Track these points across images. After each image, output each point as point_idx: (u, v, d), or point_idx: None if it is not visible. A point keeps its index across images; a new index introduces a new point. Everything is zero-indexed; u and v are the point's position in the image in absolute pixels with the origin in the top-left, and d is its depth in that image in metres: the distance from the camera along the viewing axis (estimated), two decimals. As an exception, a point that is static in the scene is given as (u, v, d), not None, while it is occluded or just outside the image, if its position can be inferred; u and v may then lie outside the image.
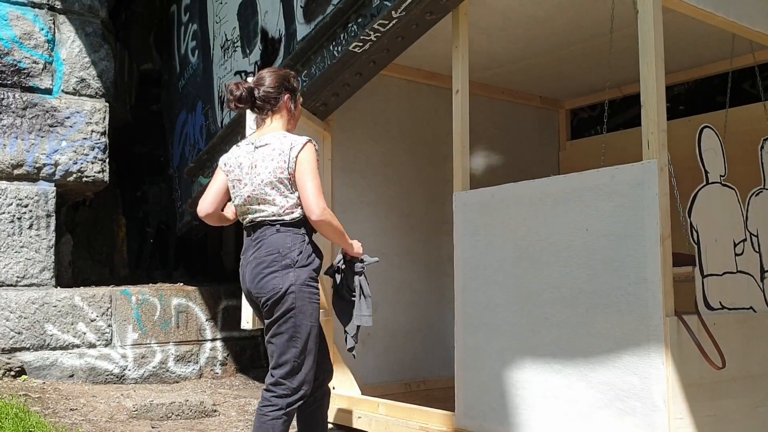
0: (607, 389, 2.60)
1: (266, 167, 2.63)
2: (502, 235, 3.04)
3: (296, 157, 2.60)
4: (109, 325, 4.51)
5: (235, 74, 4.92)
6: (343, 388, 4.00)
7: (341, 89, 3.88)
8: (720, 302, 2.68)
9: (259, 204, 2.64)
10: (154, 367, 4.63)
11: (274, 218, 2.63)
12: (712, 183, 2.76)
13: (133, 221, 5.73)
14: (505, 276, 3.01)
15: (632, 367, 2.53)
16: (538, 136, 5.32)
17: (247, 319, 3.17)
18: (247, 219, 2.69)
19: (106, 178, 4.79)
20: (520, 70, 4.61)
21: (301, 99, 2.96)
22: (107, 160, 4.79)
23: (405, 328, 4.46)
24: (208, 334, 4.95)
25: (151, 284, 4.94)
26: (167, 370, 4.69)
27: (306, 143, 2.63)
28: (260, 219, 2.65)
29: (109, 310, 4.52)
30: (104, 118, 4.76)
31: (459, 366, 3.19)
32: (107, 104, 4.83)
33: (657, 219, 2.48)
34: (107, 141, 4.79)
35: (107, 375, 4.47)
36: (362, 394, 3.97)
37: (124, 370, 4.52)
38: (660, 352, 2.45)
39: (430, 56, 4.33)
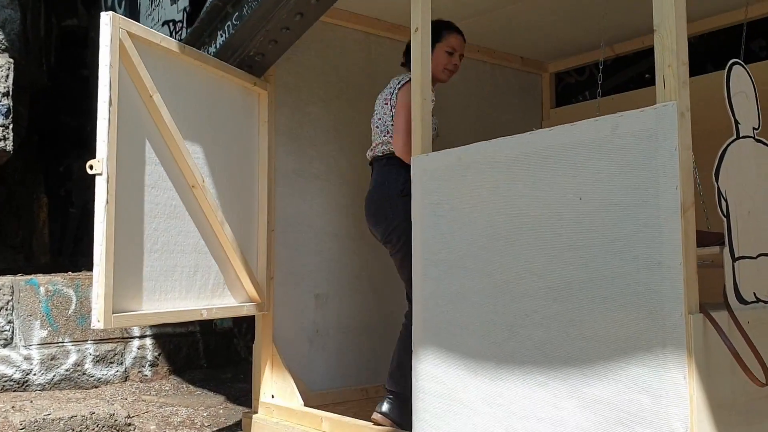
0: (606, 410, 1.95)
1: (379, 103, 3.15)
2: (471, 208, 2.38)
3: (397, 92, 2.99)
4: (10, 322, 3.80)
5: (163, 24, 4.22)
6: (284, 397, 3.33)
7: (280, 35, 3.19)
8: (755, 294, 2.03)
9: (374, 138, 3.12)
10: (66, 370, 3.94)
11: (382, 153, 3.06)
12: (744, 137, 2.11)
13: (56, 200, 5.01)
14: (475, 260, 2.35)
15: (641, 382, 1.88)
16: (519, 102, 4.66)
17: (98, 316, 2.49)
18: (369, 155, 3.17)
19: (10, 148, 4.08)
20: (495, 22, 3.94)
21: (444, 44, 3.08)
22: (11, 127, 4.07)
23: (362, 323, 3.79)
24: (136, 331, 4.26)
25: (66, 273, 4.23)
26: (84, 374, 4.00)
27: (407, 81, 2.90)
28: (374, 154, 3.11)
29: (10, 303, 3.81)
30: (7, 76, 4.03)
31: (417, 375, 2.54)
32: (11, 60, 4.09)
33: (677, 181, 1.82)
34: (10, 104, 4.07)
35: (5, 381, 3.76)
36: (308, 403, 3.31)
37: (27, 374, 3.82)
38: (680, 361, 1.80)
39: (392, 3, 3.64)
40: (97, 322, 2.51)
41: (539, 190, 2.16)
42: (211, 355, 4.54)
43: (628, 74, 4.52)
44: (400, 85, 3.04)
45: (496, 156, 2.29)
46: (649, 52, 4.65)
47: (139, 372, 4.20)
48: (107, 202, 2.55)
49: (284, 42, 3.23)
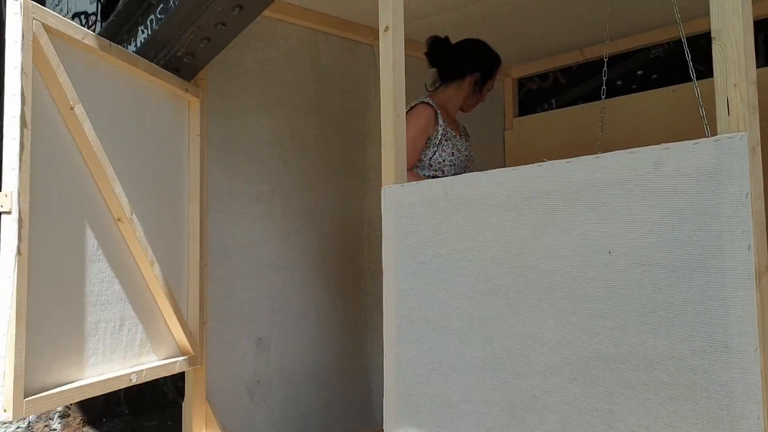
0: None
1: None
2: (462, 255, 1.89)
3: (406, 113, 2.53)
4: None
5: (74, 17, 3.59)
6: (219, 466, 2.78)
7: (213, 31, 2.63)
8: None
9: None
10: (-48, 431, 3.28)
11: None
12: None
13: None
14: (467, 322, 1.87)
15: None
16: (480, 109, 4.19)
17: (5, 404, 1.90)
18: None
19: None
20: (458, 20, 3.47)
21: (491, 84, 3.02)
22: None
23: (311, 370, 3.27)
24: (41, 376, 3.61)
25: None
26: (-26, 433, 3.34)
27: (414, 105, 2.80)
28: None
29: None
30: None
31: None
32: None
33: (750, 238, 1.39)
34: None
35: None
36: (249, 469, 2.77)
37: None
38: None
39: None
40: (3, 411, 1.90)
41: (553, 239, 1.69)
42: (133, 400, 3.94)
43: (597, 83, 4.13)
44: (407, 108, 2.81)
45: (494, 192, 1.81)
46: (621, 57, 4.31)
47: (46, 426, 3.56)
48: (18, 250, 1.94)
49: (219, 40, 2.67)
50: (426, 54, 2.96)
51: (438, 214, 1.94)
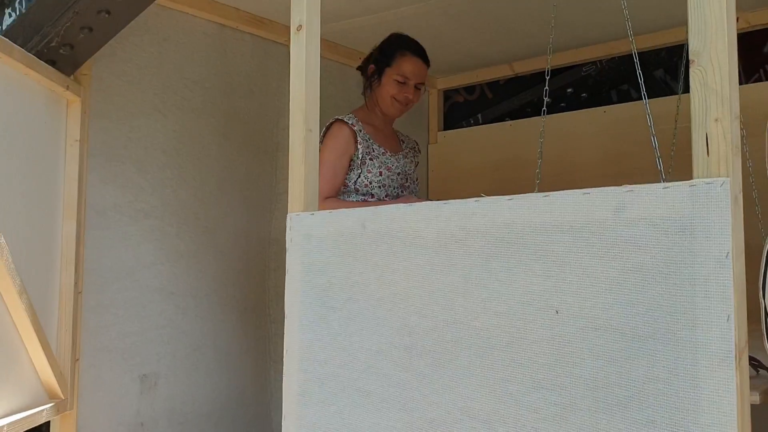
0: None
1: None
2: (380, 302, 1.58)
3: (322, 137, 2.49)
4: None
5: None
6: None
7: (96, 20, 2.23)
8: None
9: None
10: None
11: None
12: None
13: None
14: (383, 383, 1.56)
15: None
16: (405, 121, 3.92)
17: None
18: None
19: None
20: (383, 24, 3.18)
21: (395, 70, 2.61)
22: None
23: (204, 409, 2.89)
24: None
25: None
26: None
27: (328, 125, 2.55)
28: None
29: None
30: None
31: None
32: None
33: (730, 307, 1.14)
34: None
35: None
36: None
37: None
38: None
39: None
40: None
41: (489, 290, 1.41)
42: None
43: (526, 98, 3.92)
44: (322, 136, 2.55)
45: (422, 229, 1.51)
46: (552, 73, 4.11)
47: None
48: None
49: (103, 30, 2.28)
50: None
51: (354, 250, 1.63)
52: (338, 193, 2.50)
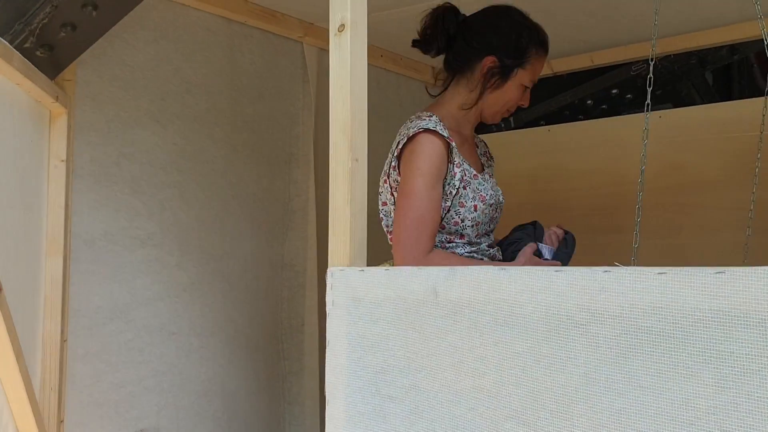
0: None
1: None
2: (457, 393, 1.20)
3: (398, 156, 1.76)
4: None
5: None
6: None
7: (80, 15, 1.82)
8: None
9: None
10: None
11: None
12: None
13: None
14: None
15: None
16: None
17: None
18: None
19: None
20: (408, 20, 2.78)
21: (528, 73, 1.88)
22: None
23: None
24: None
25: None
26: None
27: (416, 133, 1.72)
28: None
29: None
30: None
31: None
32: None
33: None
34: None
35: None
36: None
37: None
38: None
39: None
40: None
41: (624, 399, 1.02)
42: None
43: (566, 99, 3.53)
44: (400, 145, 1.76)
45: (522, 306, 1.11)
46: (594, 72, 3.73)
47: None
48: None
49: (88, 28, 1.87)
50: (421, 36, 1.92)
51: (421, 323, 1.23)
52: (434, 241, 1.74)
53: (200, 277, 2.49)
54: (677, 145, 3.00)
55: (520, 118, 3.63)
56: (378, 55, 3.09)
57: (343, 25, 1.39)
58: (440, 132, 1.73)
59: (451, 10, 1.88)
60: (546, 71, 3.38)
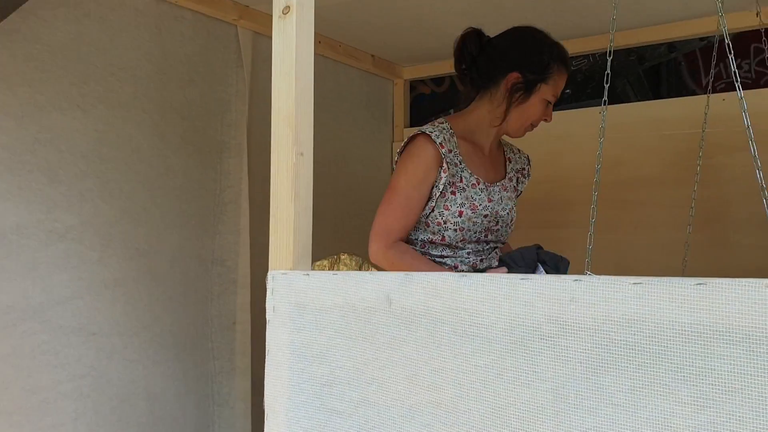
0: None
1: None
2: (411, 408, 1.11)
3: (399, 152, 1.94)
4: None
5: None
6: None
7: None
8: None
9: None
10: None
11: None
12: None
13: None
14: None
15: None
16: (366, 115, 3.43)
17: None
18: None
19: None
20: (347, 4, 2.67)
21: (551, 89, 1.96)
22: None
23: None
24: None
25: None
26: None
27: (415, 135, 1.90)
28: None
29: None
30: None
31: None
32: None
33: None
34: None
35: None
36: None
37: None
38: None
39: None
40: None
41: (596, 417, 0.95)
42: None
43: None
44: (400, 150, 1.94)
45: (484, 316, 1.03)
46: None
47: None
48: None
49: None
50: (458, 60, 2.02)
51: (373, 333, 1.14)
52: (408, 232, 1.89)
53: (124, 273, 2.32)
54: (616, 142, 3.00)
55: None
56: (316, 41, 2.96)
57: (288, 7, 1.27)
58: (433, 138, 1.84)
59: (473, 33, 1.99)
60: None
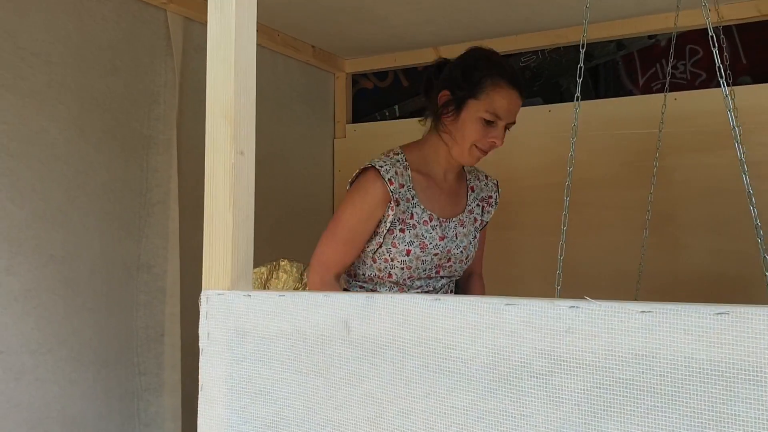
0: None
1: None
2: (370, 457, 0.95)
3: (351, 182, 1.88)
4: None
5: None
6: None
7: None
8: None
9: None
10: None
11: None
12: None
13: None
14: None
15: None
16: (307, 110, 3.25)
17: None
18: None
19: None
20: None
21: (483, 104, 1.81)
22: None
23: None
24: None
25: None
26: None
27: (361, 171, 1.83)
28: None
29: None
30: None
31: None
32: None
33: None
34: None
35: None
36: None
37: None
38: None
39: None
40: None
41: None
42: None
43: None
44: (351, 180, 1.89)
45: (462, 349, 0.87)
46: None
47: None
48: None
49: None
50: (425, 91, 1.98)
51: (329, 366, 0.97)
52: (345, 268, 1.86)
53: (36, 283, 2.08)
54: (565, 142, 2.90)
55: (405, 107, 3.43)
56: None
57: (226, -17, 1.08)
58: (383, 174, 1.77)
59: (436, 64, 1.93)
60: (434, 58, 3.19)
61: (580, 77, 1.44)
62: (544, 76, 3.23)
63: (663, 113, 2.23)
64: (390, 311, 0.92)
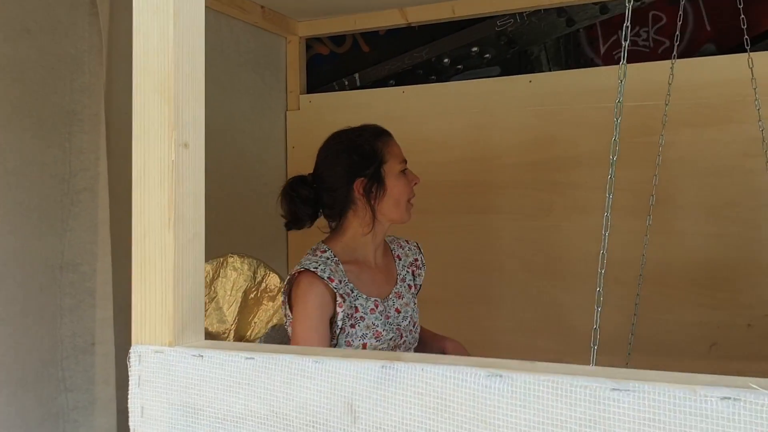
0: None
1: None
2: None
3: (286, 292, 1.80)
4: None
5: None
6: None
7: None
8: None
9: None
10: None
11: None
12: None
13: None
14: None
15: None
16: (257, 79, 2.88)
17: None
18: None
19: None
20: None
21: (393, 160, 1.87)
22: None
23: None
24: None
25: None
26: None
27: (294, 277, 1.76)
28: None
29: None
30: None
31: None
32: None
33: None
34: None
35: None
36: None
37: None
38: None
39: None
40: None
41: None
42: None
43: (421, 56, 3.04)
44: (285, 290, 1.80)
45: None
46: (454, 25, 3.24)
47: None
48: None
49: None
50: (289, 218, 1.88)
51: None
52: None
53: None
54: (550, 116, 2.62)
55: (367, 76, 3.09)
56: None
57: None
58: (319, 274, 1.72)
59: (296, 182, 1.88)
60: (400, 21, 2.86)
61: (626, 40, 1.14)
62: (520, 43, 2.93)
63: (670, 83, 1.97)
64: (417, 388, 0.61)
